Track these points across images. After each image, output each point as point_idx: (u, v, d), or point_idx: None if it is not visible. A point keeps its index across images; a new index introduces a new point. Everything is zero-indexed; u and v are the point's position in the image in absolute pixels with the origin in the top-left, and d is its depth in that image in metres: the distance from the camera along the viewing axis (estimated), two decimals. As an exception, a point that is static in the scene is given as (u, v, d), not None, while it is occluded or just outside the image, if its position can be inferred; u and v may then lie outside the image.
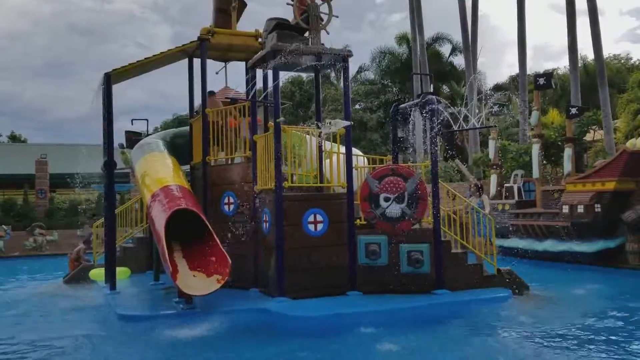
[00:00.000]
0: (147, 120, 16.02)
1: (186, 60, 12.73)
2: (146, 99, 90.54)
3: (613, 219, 14.49)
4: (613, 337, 8.01)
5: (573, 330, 8.37)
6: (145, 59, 11.60)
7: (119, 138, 14.41)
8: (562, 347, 7.43)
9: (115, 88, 11.41)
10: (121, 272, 12.02)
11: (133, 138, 14.63)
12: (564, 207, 15.31)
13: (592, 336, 8.05)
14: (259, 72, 11.30)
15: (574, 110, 17.24)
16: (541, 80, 17.78)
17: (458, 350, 7.45)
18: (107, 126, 11.27)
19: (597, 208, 14.62)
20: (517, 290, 10.54)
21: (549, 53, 72.31)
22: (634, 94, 21.12)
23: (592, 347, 7.46)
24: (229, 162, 11.40)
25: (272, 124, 9.87)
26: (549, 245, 15.77)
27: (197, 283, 8.91)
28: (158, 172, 11.31)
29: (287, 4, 10.36)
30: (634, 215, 14.05)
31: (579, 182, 15.33)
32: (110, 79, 11.20)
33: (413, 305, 9.34)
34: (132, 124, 15.57)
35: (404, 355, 7.17)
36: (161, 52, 11.85)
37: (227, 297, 9.47)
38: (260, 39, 11.95)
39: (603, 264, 14.75)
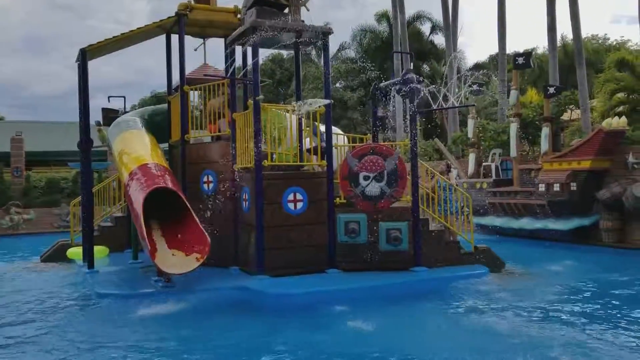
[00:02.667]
0: (124, 97, 15.82)
1: (164, 37, 12.52)
2: (123, 75, 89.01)
3: (588, 197, 14.75)
4: (587, 310, 8.26)
5: (548, 304, 8.57)
6: (121, 34, 11.40)
7: (95, 115, 14.17)
8: (537, 321, 7.62)
9: (92, 64, 11.23)
10: (99, 250, 11.94)
11: (110, 115, 14.41)
12: (540, 185, 15.53)
13: (567, 310, 8.29)
14: (239, 49, 11.18)
15: (552, 90, 17.37)
16: (520, 60, 17.86)
17: (432, 325, 7.63)
18: (83, 103, 11.11)
19: (573, 186, 14.86)
20: (493, 267, 10.73)
21: (529, 33, 72.47)
22: (610, 74, 21.27)
23: (567, 319, 7.68)
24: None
25: (252, 102, 9.80)
26: (525, 223, 16.02)
27: (176, 262, 8.90)
28: (136, 150, 11.18)
29: (267, -21, 10.21)
30: (609, 194, 14.32)
31: (555, 160, 15.54)
32: (86, 55, 11.01)
33: (391, 282, 9.47)
34: (109, 101, 15.37)
35: (377, 330, 7.31)
36: (138, 28, 11.65)
37: (206, 276, 9.48)
38: (239, 15, 11.79)
39: (578, 242, 15.06)
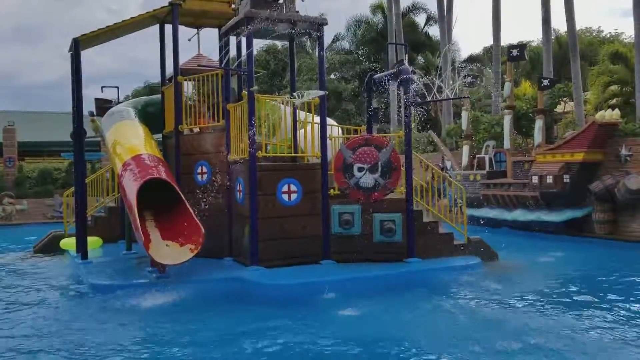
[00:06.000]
0: (117, 87, 15.78)
1: (157, 27, 12.44)
2: (117, 66, 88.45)
3: (581, 189, 14.82)
4: (575, 300, 8.37)
5: (538, 294, 8.66)
6: (115, 24, 11.33)
7: (88, 106, 14.10)
8: (526, 310, 7.70)
9: (85, 54, 11.17)
10: (93, 241, 11.91)
11: (103, 106, 14.35)
12: (533, 177, 15.57)
13: (555, 299, 8.39)
14: (233, 40, 11.13)
15: (545, 82, 17.37)
16: (514, 52, 17.85)
17: (424, 314, 7.70)
18: (76, 93, 11.05)
19: (566, 179, 14.91)
20: (486, 258, 10.79)
21: (523, 25, 72.53)
22: (604, 67, 21.36)
23: (554, 308, 7.75)
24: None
25: (246, 92, 9.77)
26: (519, 214, 16.08)
27: (170, 252, 8.90)
28: (129, 140, 11.13)
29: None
30: (601, 186, 14.38)
31: (548, 153, 15.58)
32: (79, 45, 10.94)
33: (384, 273, 9.51)
34: (102, 91, 15.30)
35: (371, 319, 7.38)
36: (131, 18, 11.57)
37: (200, 266, 9.49)
38: (233, 5, 11.73)
39: (570, 233, 15.13)
